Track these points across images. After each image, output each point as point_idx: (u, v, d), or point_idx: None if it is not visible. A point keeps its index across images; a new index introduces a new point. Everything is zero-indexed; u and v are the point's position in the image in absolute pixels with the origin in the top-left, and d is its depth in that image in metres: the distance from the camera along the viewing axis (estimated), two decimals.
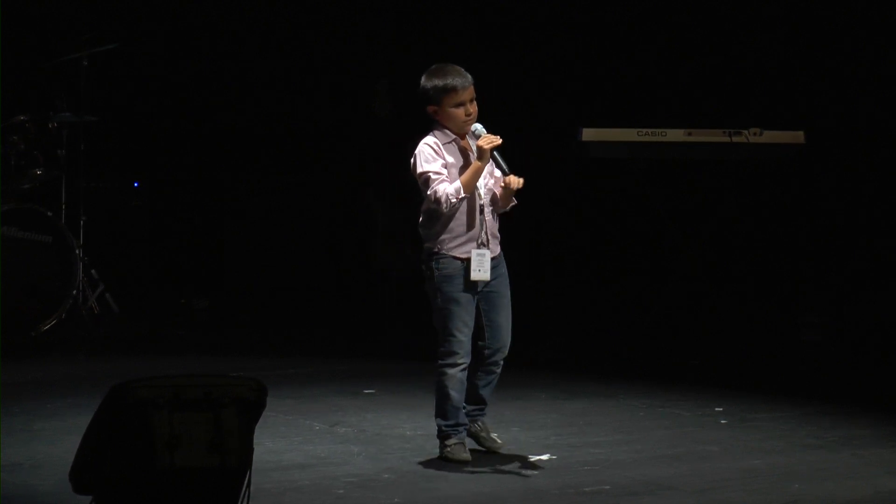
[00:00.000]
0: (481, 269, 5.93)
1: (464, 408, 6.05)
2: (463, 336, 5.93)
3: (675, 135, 10.10)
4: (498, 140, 5.87)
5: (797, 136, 10.26)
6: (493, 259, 5.98)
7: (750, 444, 6.34)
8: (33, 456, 5.88)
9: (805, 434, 6.59)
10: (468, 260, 5.92)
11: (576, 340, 9.79)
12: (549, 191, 11.70)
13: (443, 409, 5.97)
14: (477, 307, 6.00)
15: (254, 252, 12.12)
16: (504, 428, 6.62)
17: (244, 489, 4.79)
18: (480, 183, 5.94)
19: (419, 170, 5.90)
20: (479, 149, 5.87)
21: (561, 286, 11.84)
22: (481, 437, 6.12)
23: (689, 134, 10.12)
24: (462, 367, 5.95)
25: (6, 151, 9.44)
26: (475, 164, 5.87)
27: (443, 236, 5.94)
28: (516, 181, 5.90)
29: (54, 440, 6.15)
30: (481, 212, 5.95)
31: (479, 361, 6.06)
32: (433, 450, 6.10)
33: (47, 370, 8.28)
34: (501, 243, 6.08)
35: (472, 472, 5.77)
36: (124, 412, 4.68)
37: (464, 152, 5.96)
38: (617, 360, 8.98)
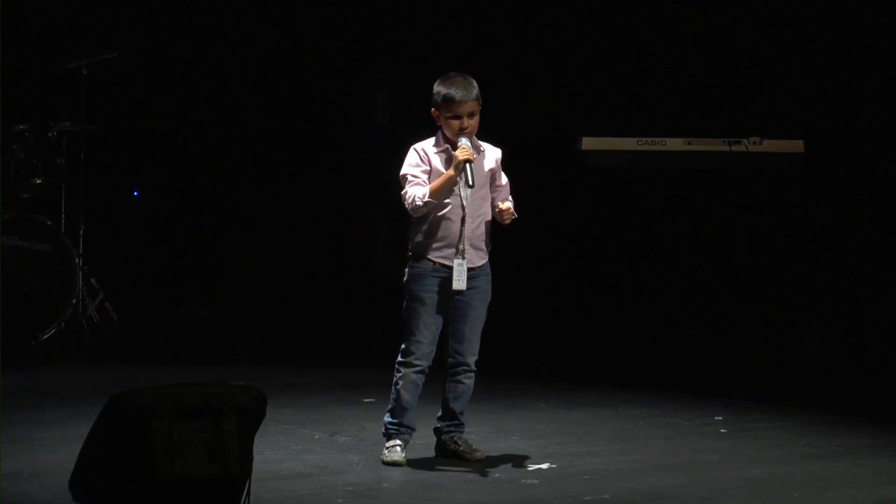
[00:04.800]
0: (459, 280, 5.99)
1: (439, 427, 6.15)
2: (423, 338, 6.01)
3: (675, 144, 10.12)
4: (472, 156, 5.92)
5: (796, 146, 10.27)
6: (472, 270, 6.03)
7: (750, 454, 6.34)
8: (33, 465, 5.87)
9: (805, 443, 6.59)
10: (440, 265, 5.98)
11: (576, 350, 9.79)
12: (548, 200, 11.70)
13: (392, 406, 6.09)
14: (447, 315, 6.06)
15: (254, 261, 12.12)
16: (504, 437, 6.62)
17: (244, 498, 4.79)
18: (464, 193, 5.97)
19: (402, 171, 6.03)
20: (454, 158, 5.93)
21: (561, 295, 11.83)
22: (461, 453, 6.14)
23: (689, 143, 10.14)
24: (417, 368, 6.03)
25: (6, 160, 9.44)
26: (446, 172, 5.94)
27: (419, 239, 6.03)
28: (508, 213, 6.01)
29: (54, 449, 6.15)
30: (462, 222, 6.00)
31: (446, 372, 6.12)
32: (433, 459, 6.11)
33: (47, 379, 8.27)
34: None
35: (472, 482, 5.77)
36: (124, 421, 4.68)
37: (451, 162, 6.00)
38: (617, 369, 8.98)
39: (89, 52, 9.90)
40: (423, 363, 6.04)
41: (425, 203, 5.92)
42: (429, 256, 6.01)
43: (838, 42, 10.90)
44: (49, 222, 9.48)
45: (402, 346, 6.07)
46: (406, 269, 6.07)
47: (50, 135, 9.67)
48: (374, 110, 11.98)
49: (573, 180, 11.57)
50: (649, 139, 10.08)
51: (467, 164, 5.90)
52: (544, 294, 11.81)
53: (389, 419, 6.10)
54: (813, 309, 10.30)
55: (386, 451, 6.05)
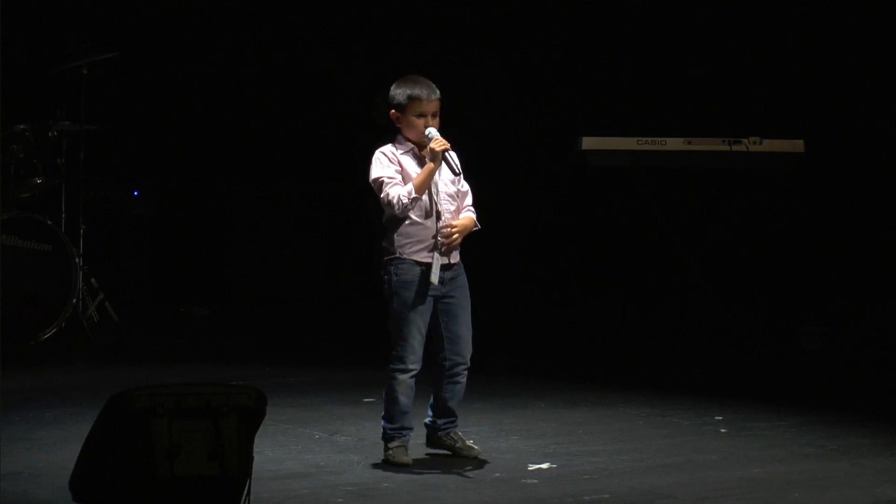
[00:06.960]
0: (434, 273, 6.01)
1: (435, 422, 6.17)
2: (416, 343, 6.03)
3: (675, 143, 10.11)
4: (448, 144, 5.97)
5: (797, 145, 10.26)
6: (452, 267, 6.05)
7: (750, 453, 6.34)
8: (33, 465, 5.87)
9: (805, 443, 6.59)
10: (425, 265, 5.99)
11: (576, 349, 9.79)
12: (548, 200, 11.70)
13: (390, 412, 6.08)
14: (436, 318, 6.06)
15: (253, 261, 12.12)
16: (503, 436, 6.62)
17: (244, 498, 4.79)
18: (440, 189, 6.01)
19: (372, 175, 6.06)
20: (431, 151, 5.97)
21: (561, 295, 11.83)
22: (457, 448, 6.16)
23: (689, 143, 10.13)
24: (412, 373, 6.04)
25: (6, 160, 9.45)
26: (427, 165, 5.98)
27: (402, 241, 6.04)
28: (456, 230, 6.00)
29: (54, 449, 6.15)
30: (439, 217, 6.02)
31: (442, 374, 6.12)
32: (432, 458, 6.10)
33: (47, 379, 8.28)
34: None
35: (472, 482, 5.77)
36: (124, 421, 4.68)
37: (421, 161, 6.06)
38: (617, 369, 8.98)
39: (89, 52, 9.89)
40: (417, 367, 6.06)
41: (412, 200, 5.94)
42: (413, 258, 6.02)
43: (838, 42, 10.90)
44: (49, 222, 9.48)
45: (395, 351, 6.08)
46: (387, 276, 6.08)
47: (50, 135, 9.67)
48: (374, 110, 11.97)
49: (573, 180, 11.57)
50: (649, 139, 10.07)
51: (447, 153, 5.96)
52: (544, 293, 11.81)
53: (388, 424, 6.09)
54: (813, 309, 10.29)
55: (390, 453, 6.04)
